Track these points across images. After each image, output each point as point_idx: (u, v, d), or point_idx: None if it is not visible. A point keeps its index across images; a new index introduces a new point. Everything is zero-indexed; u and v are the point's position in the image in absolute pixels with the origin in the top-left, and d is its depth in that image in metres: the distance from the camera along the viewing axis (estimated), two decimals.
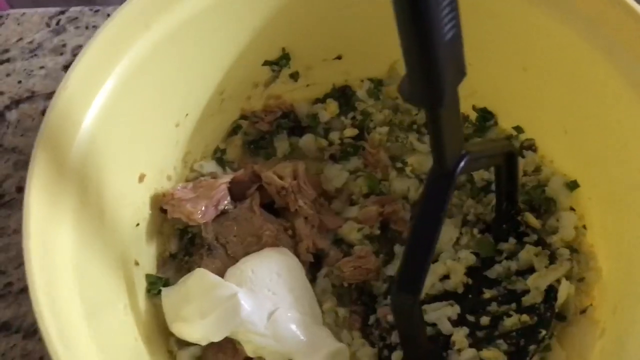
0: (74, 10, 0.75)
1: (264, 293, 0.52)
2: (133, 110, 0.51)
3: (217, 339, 0.50)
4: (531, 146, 0.60)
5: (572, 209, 0.57)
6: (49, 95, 0.70)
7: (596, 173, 0.55)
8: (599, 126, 0.53)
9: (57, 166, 0.43)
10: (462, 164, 0.42)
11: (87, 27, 0.74)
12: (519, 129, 0.61)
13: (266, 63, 0.61)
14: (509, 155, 0.51)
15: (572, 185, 0.57)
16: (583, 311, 0.53)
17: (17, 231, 0.62)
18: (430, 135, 0.40)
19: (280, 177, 0.57)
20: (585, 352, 0.51)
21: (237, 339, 0.51)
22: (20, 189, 0.65)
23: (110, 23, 0.47)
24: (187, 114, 0.58)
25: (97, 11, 0.75)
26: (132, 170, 0.53)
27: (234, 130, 0.64)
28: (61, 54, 0.73)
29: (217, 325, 0.50)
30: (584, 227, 0.56)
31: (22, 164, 0.66)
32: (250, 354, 0.51)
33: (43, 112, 0.69)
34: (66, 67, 0.71)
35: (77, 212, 0.45)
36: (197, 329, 0.50)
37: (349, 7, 0.58)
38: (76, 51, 0.72)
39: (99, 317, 0.44)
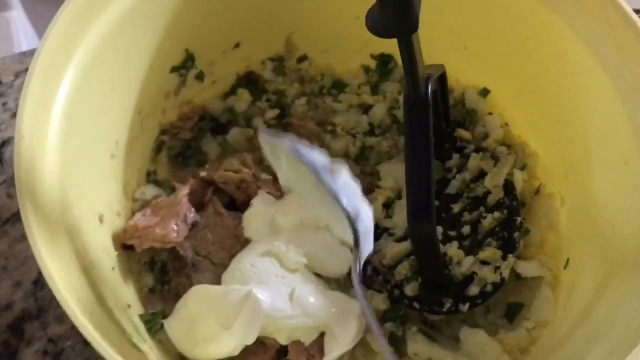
0: None
1: (274, 280, 0.51)
2: (81, 151, 0.48)
3: (251, 341, 0.49)
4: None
5: (490, 113, 0.64)
6: None
7: (502, 76, 0.61)
8: (499, 35, 0.58)
9: (46, 220, 0.39)
10: (430, 84, 0.45)
11: None
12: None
13: (173, 69, 0.60)
14: (442, 76, 0.55)
15: (484, 93, 0.63)
16: (537, 192, 0.60)
17: None
18: (404, 63, 0.43)
19: (235, 172, 0.57)
20: (553, 222, 0.58)
21: (266, 334, 0.50)
22: None
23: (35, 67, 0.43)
24: (117, 142, 0.55)
25: None
26: (94, 212, 0.50)
27: (158, 148, 0.62)
28: None
29: (246, 328, 0.48)
30: (507, 124, 0.63)
31: None
32: (284, 341, 0.50)
33: None
34: None
35: (76, 262, 0.41)
36: (227, 341, 0.48)
37: None
38: None
39: None
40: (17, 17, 1.28)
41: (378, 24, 0.39)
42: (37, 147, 0.42)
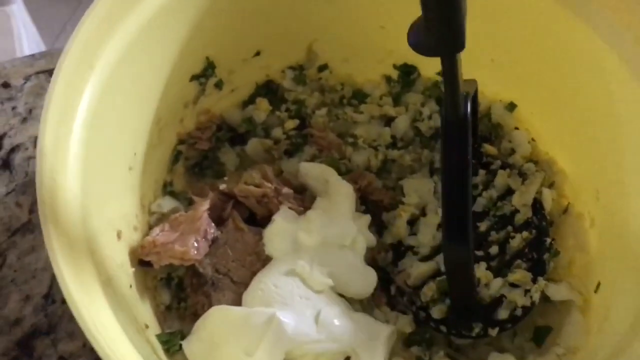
0: None
1: (298, 301, 0.49)
2: (101, 167, 0.46)
3: None
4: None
5: (516, 128, 0.62)
6: None
7: (530, 90, 0.60)
8: (526, 47, 0.57)
9: (69, 245, 0.38)
10: (469, 104, 0.44)
11: None
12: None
13: (193, 78, 0.58)
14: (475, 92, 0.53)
15: (511, 107, 0.62)
16: (565, 211, 0.58)
17: None
18: (446, 82, 0.41)
19: (256, 186, 0.55)
20: (583, 244, 0.56)
21: (291, 359, 0.48)
22: None
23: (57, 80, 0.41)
24: (135, 153, 0.53)
25: None
26: (112, 229, 0.48)
27: (175, 158, 0.60)
28: None
29: (270, 355, 0.46)
30: (533, 140, 0.61)
31: None
32: None
33: None
34: None
35: (104, 290, 0.39)
36: None
37: None
38: None
39: None
40: (18, 11, 1.26)
41: (422, 41, 0.37)
42: (59, 164, 0.40)
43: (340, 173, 0.60)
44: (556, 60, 0.55)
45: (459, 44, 0.36)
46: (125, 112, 0.49)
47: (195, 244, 0.51)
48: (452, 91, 0.41)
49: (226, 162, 0.61)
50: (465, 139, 0.43)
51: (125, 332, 0.42)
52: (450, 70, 0.39)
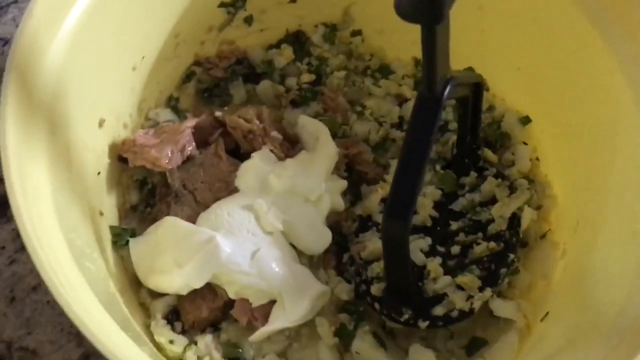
0: None
1: (244, 234, 0.51)
2: (95, 48, 0.48)
3: (198, 285, 0.49)
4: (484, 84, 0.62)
5: (524, 143, 0.60)
6: None
7: (547, 108, 0.58)
8: (552, 62, 0.55)
9: (28, 101, 0.40)
10: (448, 87, 0.43)
11: None
12: (470, 70, 0.63)
13: (222, 5, 0.59)
14: (478, 86, 0.52)
15: (525, 121, 0.60)
16: (543, 236, 0.57)
17: None
18: (424, 56, 0.40)
19: (246, 121, 0.56)
20: (548, 272, 0.54)
21: (218, 283, 0.50)
22: None
23: None
24: (143, 57, 0.55)
25: None
26: (94, 113, 0.50)
27: (188, 77, 0.62)
28: None
29: (197, 272, 0.48)
30: (537, 159, 0.59)
31: None
32: (232, 295, 0.50)
33: None
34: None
35: (49, 152, 0.42)
36: (176, 279, 0.48)
37: None
38: None
39: (81, 262, 0.41)
40: None
41: (403, 4, 0.37)
42: (45, 29, 0.42)
43: (337, 136, 0.61)
44: (577, 86, 0.54)
45: (437, 15, 0.36)
46: (137, 13, 0.51)
47: (169, 154, 0.53)
48: (428, 66, 0.41)
49: (234, 94, 0.63)
50: (433, 120, 0.43)
51: (57, 198, 0.42)
52: (427, 41, 0.39)
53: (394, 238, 0.45)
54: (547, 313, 0.51)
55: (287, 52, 0.64)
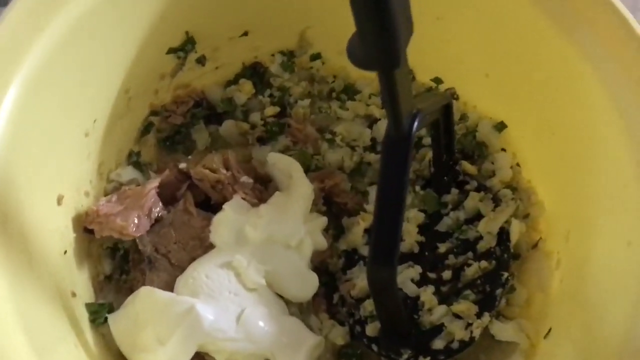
0: None
1: (225, 296, 0.48)
2: (39, 123, 0.45)
3: None
4: (452, 95, 0.60)
5: (503, 149, 0.58)
6: None
7: (522, 112, 0.56)
8: (520, 66, 0.53)
9: None
10: (416, 123, 0.41)
11: None
12: (437, 80, 0.61)
13: (170, 51, 0.56)
14: (446, 107, 0.50)
15: (500, 127, 0.58)
16: (534, 246, 0.55)
17: None
18: (385, 100, 0.38)
19: (212, 171, 0.53)
20: (545, 284, 0.53)
21: (206, 351, 0.47)
22: None
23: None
24: (95, 120, 0.52)
25: None
26: (49, 192, 0.47)
27: (146, 129, 0.59)
28: None
29: (181, 346, 0.46)
30: (518, 165, 0.57)
31: None
32: None
33: None
34: None
35: (1, 247, 0.39)
36: (160, 357, 0.46)
37: None
38: None
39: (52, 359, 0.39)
40: None
41: (357, 54, 0.34)
42: None
43: (310, 169, 0.59)
44: (549, 87, 0.51)
45: (394, 61, 0.34)
46: (81, 77, 0.48)
47: (136, 220, 0.50)
48: (392, 108, 0.38)
49: (197, 139, 0.60)
50: (405, 159, 0.40)
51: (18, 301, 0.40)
52: (387, 87, 0.36)
53: (381, 284, 0.43)
54: (550, 329, 0.49)
55: (247, 86, 0.61)
